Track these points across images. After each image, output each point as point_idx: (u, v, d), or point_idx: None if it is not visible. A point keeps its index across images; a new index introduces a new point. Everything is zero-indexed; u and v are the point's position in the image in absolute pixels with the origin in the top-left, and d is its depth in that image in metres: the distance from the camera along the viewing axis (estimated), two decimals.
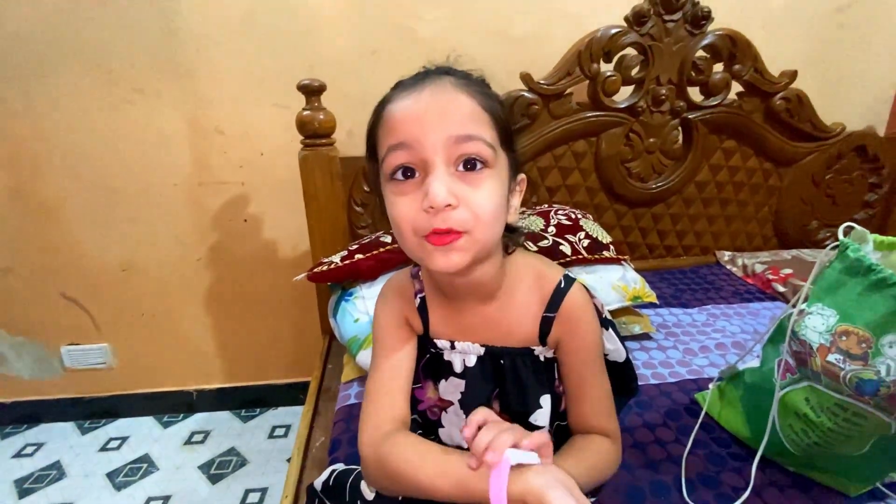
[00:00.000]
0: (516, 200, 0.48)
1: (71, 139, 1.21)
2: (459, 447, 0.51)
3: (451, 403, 0.52)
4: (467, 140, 0.40)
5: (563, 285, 0.49)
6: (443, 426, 0.53)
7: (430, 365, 0.54)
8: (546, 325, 0.49)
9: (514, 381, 0.50)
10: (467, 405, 0.51)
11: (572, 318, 0.49)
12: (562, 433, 0.52)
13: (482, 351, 0.51)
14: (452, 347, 0.51)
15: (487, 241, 0.42)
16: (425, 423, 0.55)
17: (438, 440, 0.54)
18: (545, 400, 0.50)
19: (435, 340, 0.52)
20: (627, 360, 0.57)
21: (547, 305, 0.49)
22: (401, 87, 0.43)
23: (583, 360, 0.50)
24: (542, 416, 0.50)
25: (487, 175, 0.41)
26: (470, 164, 0.40)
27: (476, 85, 0.43)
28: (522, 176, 0.48)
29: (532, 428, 0.49)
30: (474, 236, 0.41)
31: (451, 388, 0.52)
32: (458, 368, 0.52)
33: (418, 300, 0.52)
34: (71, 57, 1.15)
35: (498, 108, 0.43)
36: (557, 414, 0.52)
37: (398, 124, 0.41)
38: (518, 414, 0.51)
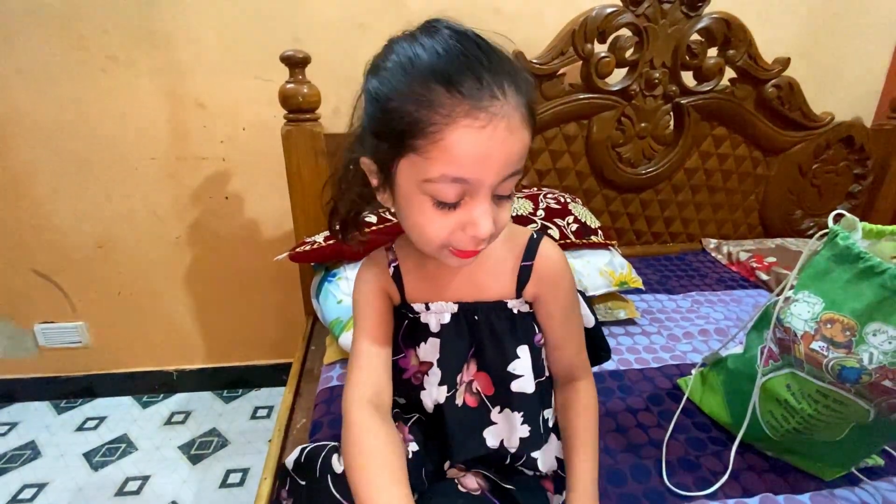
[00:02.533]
0: None
1: (40, 108, 1.15)
2: (438, 406, 0.52)
3: (432, 365, 0.53)
4: (512, 176, 0.40)
5: (535, 237, 0.52)
6: (424, 388, 0.54)
7: (410, 331, 0.54)
8: (524, 275, 0.50)
9: (489, 335, 0.51)
10: (444, 363, 0.52)
11: (549, 266, 0.51)
12: (541, 389, 0.53)
13: (455, 308, 0.51)
14: (427, 309, 0.52)
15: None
16: (408, 391, 0.55)
17: (420, 405, 0.54)
18: (522, 350, 0.51)
19: (412, 305, 0.53)
20: (597, 328, 0.59)
21: (524, 255, 0.51)
22: (465, 96, 0.36)
23: (563, 308, 0.52)
24: (520, 365, 0.51)
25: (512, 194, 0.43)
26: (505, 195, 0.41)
27: (526, 95, 0.39)
28: None
29: (511, 378, 0.51)
30: (489, 242, 0.43)
31: (430, 350, 0.53)
32: (434, 328, 0.52)
33: (392, 269, 0.53)
34: (37, 20, 1.09)
35: (534, 110, 0.41)
36: (538, 368, 0.52)
37: (465, 159, 0.37)
38: (496, 368, 0.51)
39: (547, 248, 0.51)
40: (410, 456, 0.49)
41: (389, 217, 0.87)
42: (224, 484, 1.16)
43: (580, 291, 0.57)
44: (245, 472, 1.19)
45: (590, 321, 0.58)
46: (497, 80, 0.37)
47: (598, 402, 0.54)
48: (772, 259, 1.20)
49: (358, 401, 0.47)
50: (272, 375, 1.49)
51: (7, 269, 1.29)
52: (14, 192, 1.22)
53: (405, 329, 0.54)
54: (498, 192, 0.40)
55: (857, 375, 0.49)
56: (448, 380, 0.52)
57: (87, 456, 1.23)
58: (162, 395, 1.47)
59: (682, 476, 0.61)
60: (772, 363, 0.60)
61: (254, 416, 1.39)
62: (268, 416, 1.39)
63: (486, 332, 0.51)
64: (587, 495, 0.48)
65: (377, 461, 0.43)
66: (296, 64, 0.97)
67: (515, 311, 0.51)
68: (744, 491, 0.60)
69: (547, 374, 0.55)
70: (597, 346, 0.61)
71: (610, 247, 1.02)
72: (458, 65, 0.37)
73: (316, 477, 0.46)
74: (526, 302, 0.52)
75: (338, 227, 0.52)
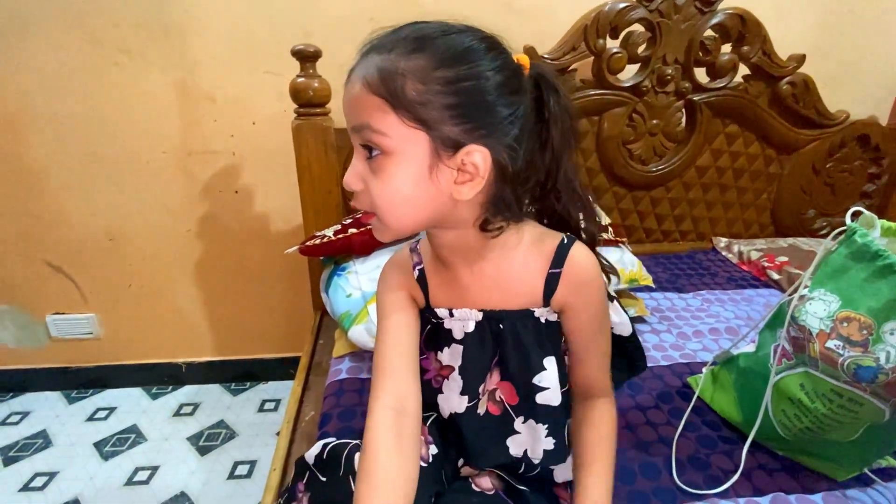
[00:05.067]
0: (462, 181, 0.41)
1: (54, 101, 1.16)
2: (453, 414, 0.52)
3: (453, 370, 0.52)
4: (360, 129, 0.41)
5: (565, 242, 0.48)
6: (442, 392, 0.53)
7: (432, 335, 0.53)
8: (552, 283, 0.47)
9: (514, 345, 0.49)
10: (466, 371, 0.51)
11: (579, 274, 0.47)
12: (567, 400, 0.52)
13: (480, 316, 0.50)
14: (451, 315, 0.51)
15: (398, 227, 0.43)
16: (427, 392, 0.54)
17: (436, 407, 0.53)
18: (549, 362, 0.49)
19: (435, 310, 0.52)
20: (634, 336, 0.56)
21: (552, 262, 0.47)
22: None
23: (591, 320, 0.49)
24: (546, 378, 0.49)
25: (384, 161, 0.40)
26: (370, 150, 0.41)
27: (382, 59, 0.40)
28: (469, 149, 0.40)
29: (537, 390, 0.49)
30: (381, 220, 0.43)
31: (452, 355, 0.52)
32: (457, 336, 0.51)
33: (417, 272, 0.52)
34: (52, 14, 1.09)
35: (402, 85, 0.38)
36: (564, 378, 0.51)
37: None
38: (521, 379, 0.50)
39: (577, 254, 0.47)
40: (430, 459, 0.49)
41: None
42: (232, 475, 1.17)
43: (614, 297, 0.54)
44: (253, 464, 1.20)
45: (627, 329, 0.55)
46: (367, 49, 0.42)
47: (616, 423, 0.51)
48: (783, 258, 1.18)
49: (380, 409, 0.46)
50: (280, 369, 1.50)
51: (20, 260, 1.31)
52: (27, 184, 1.23)
53: (428, 333, 0.53)
54: (360, 145, 0.42)
55: (873, 375, 0.49)
56: (470, 389, 0.51)
57: (98, 446, 1.25)
58: (171, 387, 1.48)
59: (693, 474, 0.61)
60: (785, 362, 0.59)
61: (261, 409, 1.40)
62: (275, 409, 1.40)
63: (510, 342, 0.49)
64: None
65: (382, 486, 0.42)
66: (306, 58, 0.97)
67: (543, 321, 0.49)
68: (755, 490, 0.59)
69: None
70: (633, 356, 0.58)
71: (620, 244, 1.02)
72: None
73: (339, 475, 0.46)
74: (554, 311, 0.49)
75: None
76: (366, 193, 0.42)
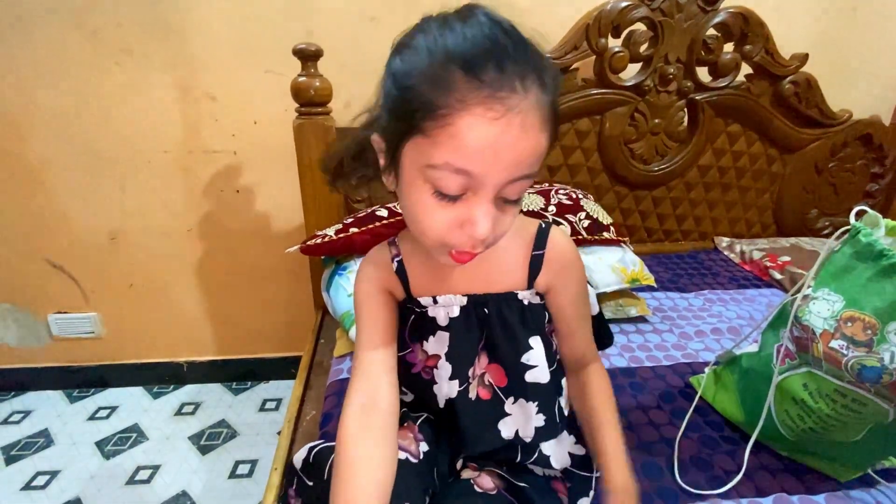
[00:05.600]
0: None
1: (56, 101, 1.16)
2: (449, 402, 0.52)
3: (440, 358, 0.52)
4: (522, 179, 0.38)
5: (543, 227, 0.51)
6: (436, 382, 0.53)
7: (416, 325, 0.53)
8: (536, 264, 0.50)
9: (500, 327, 0.50)
10: (453, 357, 0.51)
11: (562, 255, 0.50)
12: (555, 377, 0.53)
13: (465, 301, 0.50)
14: (435, 302, 0.51)
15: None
16: (419, 386, 0.54)
17: (431, 400, 0.53)
18: (535, 341, 0.50)
19: (418, 299, 0.51)
20: (600, 314, 0.59)
21: (534, 245, 0.50)
22: (483, 83, 0.34)
23: (575, 296, 0.52)
24: (534, 356, 0.50)
25: (519, 200, 0.41)
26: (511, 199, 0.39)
27: (552, 94, 0.38)
28: None
29: (525, 369, 0.50)
30: (487, 247, 0.42)
31: (438, 343, 0.52)
32: (442, 322, 0.51)
33: (395, 264, 0.52)
34: (53, 13, 1.09)
35: (557, 112, 0.39)
36: (551, 357, 0.51)
37: (471, 149, 0.35)
38: (509, 359, 0.50)
39: (557, 236, 0.50)
40: (421, 456, 0.49)
41: (401, 211, 0.87)
42: (233, 475, 1.17)
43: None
44: (254, 463, 1.20)
45: (594, 308, 0.58)
46: (521, 72, 0.35)
47: (610, 383, 0.54)
48: (786, 258, 1.18)
49: (349, 407, 0.47)
50: (281, 368, 1.50)
51: (22, 259, 1.31)
52: (29, 183, 1.23)
53: (412, 324, 0.53)
54: (504, 195, 0.38)
55: (877, 375, 0.49)
56: (460, 374, 0.51)
57: (99, 445, 1.25)
58: (172, 387, 1.48)
59: (695, 475, 0.61)
60: (788, 362, 0.59)
61: (262, 409, 1.40)
62: (276, 408, 1.40)
63: (496, 324, 0.50)
64: (618, 461, 0.48)
65: (352, 478, 0.42)
66: (308, 57, 0.97)
67: (526, 303, 0.50)
68: (757, 491, 0.59)
69: (557, 361, 0.54)
70: (601, 333, 0.60)
71: (622, 243, 1.01)
72: (482, 50, 0.34)
73: (325, 479, 0.45)
74: (537, 293, 0.51)
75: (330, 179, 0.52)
76: (491, 234, 0.39)
